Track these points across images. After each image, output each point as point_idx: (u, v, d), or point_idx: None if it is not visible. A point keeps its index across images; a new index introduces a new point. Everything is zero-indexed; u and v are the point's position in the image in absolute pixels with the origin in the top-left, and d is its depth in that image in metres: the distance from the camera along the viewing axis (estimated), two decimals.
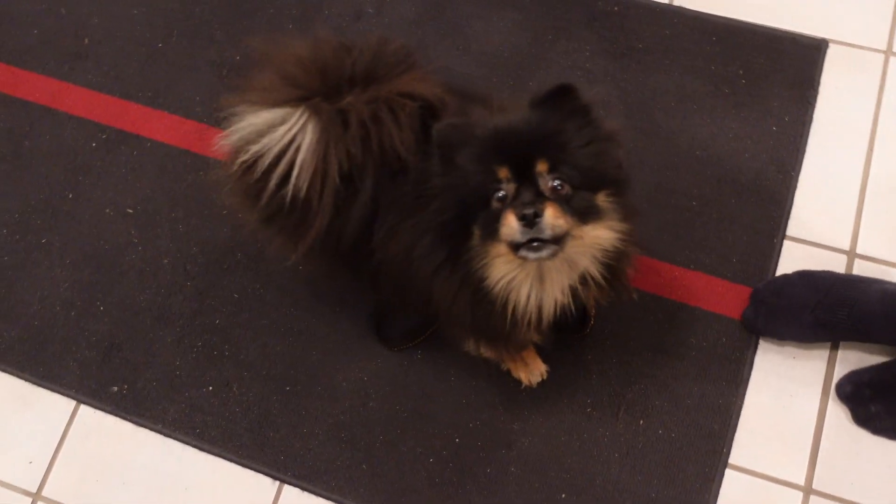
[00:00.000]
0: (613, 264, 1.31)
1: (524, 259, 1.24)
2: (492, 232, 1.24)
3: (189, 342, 1.80)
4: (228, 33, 2.09)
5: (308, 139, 1.28)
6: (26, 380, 1.81)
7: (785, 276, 1.67)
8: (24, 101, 2.08)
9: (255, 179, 1.35)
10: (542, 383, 1.67)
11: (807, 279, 1.64)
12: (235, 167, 1.36)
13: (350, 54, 1.36)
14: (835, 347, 1.66)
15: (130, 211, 1.94)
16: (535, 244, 1.21)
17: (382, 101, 1.30)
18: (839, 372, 1.64)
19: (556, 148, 1.24)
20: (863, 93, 1.88)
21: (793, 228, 1.78)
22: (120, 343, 1.81)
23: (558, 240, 1.22)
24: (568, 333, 1.66)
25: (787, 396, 1.65)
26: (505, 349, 1.56)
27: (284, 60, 1.37)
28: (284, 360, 1.76)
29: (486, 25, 2.02)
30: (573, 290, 1.31)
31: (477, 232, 1.26)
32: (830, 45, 1.92)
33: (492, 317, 1.33)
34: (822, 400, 1.64)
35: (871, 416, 1.59)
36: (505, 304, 1.31)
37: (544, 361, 1.66)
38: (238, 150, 1.35)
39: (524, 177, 1.23)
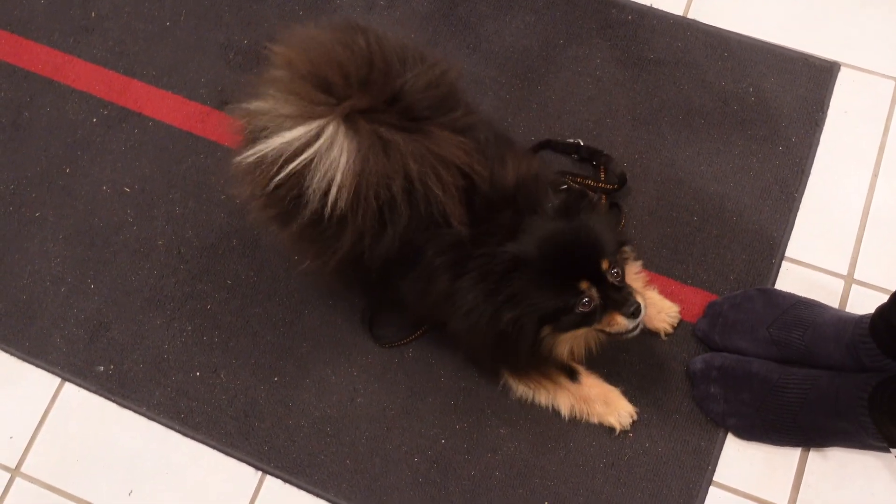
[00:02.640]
0: None
1: (628, 337, 1.46)
2: (569, 325, 1.41)
3: (179, 326, 1.78)
4: (238, 16, 2.07)
5: (345, 158, 1.26)
6: (11, 354, 1.79)
7: (745, 292, 1.68)
8: (26, 71, 2.06)
9: (290, 196, 1.33)
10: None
11: (767, 296, 1.65)
12: (270, 186, 1.33)
13: (384, 55, 1.34)
14: None
15: (128, 190, 1.92)
16: (634, 326, 1.43)
17: (429, 167, 1.29)
18: None
19: (601, 243, 1.39)
20: (871, 118, 1.87)
21: (792, 250, 1.77)
22: (109, 323, 1.80)
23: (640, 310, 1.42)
24: None
25: None
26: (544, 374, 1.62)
27: (310, 59, 1.33)
28: (274, 351, 1.75)
29: (497, 26, 2.00)
30: None
31: (549, 328, 1.42)
32: (842, 68, 1.91)
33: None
34: None
35: (708, 395, 1.61)
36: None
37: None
38: (268, 166, 1.31)
39: (596, 279, 1.38)
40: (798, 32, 1.95)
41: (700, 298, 1.72)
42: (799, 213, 1.80)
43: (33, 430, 1.73)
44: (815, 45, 1.93)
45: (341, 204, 1.28)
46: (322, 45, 1.35)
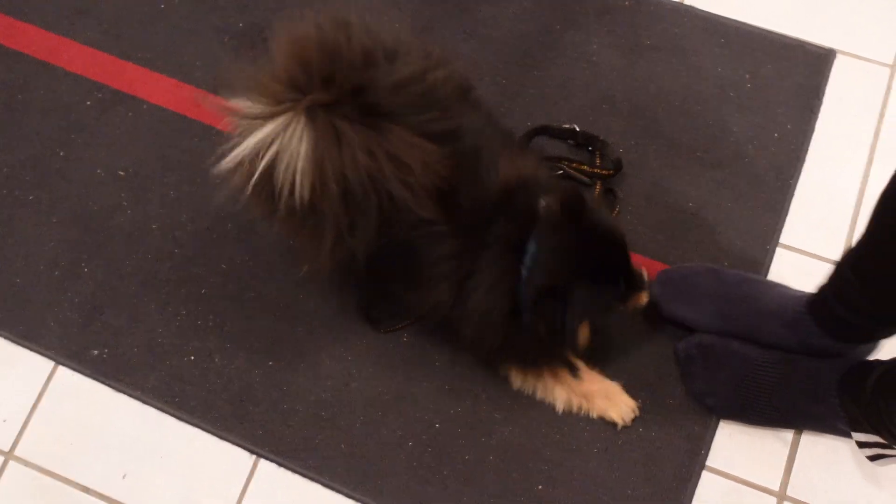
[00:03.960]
0: None
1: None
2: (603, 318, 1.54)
3: (173, 310, 1.78)
4: (233, 0, 2.06)
5: (304, 148, 1.28)
6: (5, 337, 1.78)
7: (693, 266, 1.70)
8: (20, 53, 2.05)
9: (267, 194, 1.35)
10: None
11: (714, 273, 1.67)
12: (250, 187, 1.35)
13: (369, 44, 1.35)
14: None
15: (122, 173, 1.91)
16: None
17: (382, 163, 1.29)
18: None
19: (625, 240, 1.47)
20: (866, 106, 1.87)
21: (786, 237, 1.77)
22: (103, 306, 1.79)
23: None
24: None
25: None
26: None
27: (282, 58, 1.34)
28: (269, 335, 1.74)
29: (495, 10, 2.00)
30: None
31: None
32: (838, 55, 1.91)
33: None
34: None
35: (689, 374, 1.63)
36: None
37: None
38: (246, 168, 1.34)
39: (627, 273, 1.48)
40: (795, 19, 1.95)
41: None
42: (794, 201, 1.80)
43: (27, 413, 1.73)
44: (812, 33, 1.93)
45: (305, 193, 1.30)
46: (294, 42, 1.35)
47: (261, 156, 1.30)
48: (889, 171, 1.79)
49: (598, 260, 1.42)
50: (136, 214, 1.87)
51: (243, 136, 1.33)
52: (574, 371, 1.62)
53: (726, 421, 1.63)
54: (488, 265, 1.40)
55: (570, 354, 1.61)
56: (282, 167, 1.30)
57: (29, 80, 2.02)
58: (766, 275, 1.74)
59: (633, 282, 1.49)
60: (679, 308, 1.65)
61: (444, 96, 1.40)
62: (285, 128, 1.29)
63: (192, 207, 1.86)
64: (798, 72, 1.90)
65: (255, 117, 1.32)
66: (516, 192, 1.40)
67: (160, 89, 1.99)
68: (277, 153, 1.30)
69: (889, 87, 1.89)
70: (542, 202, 1.39)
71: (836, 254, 1.75)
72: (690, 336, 1.65)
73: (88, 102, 1.99)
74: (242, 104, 1.35)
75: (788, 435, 1.63)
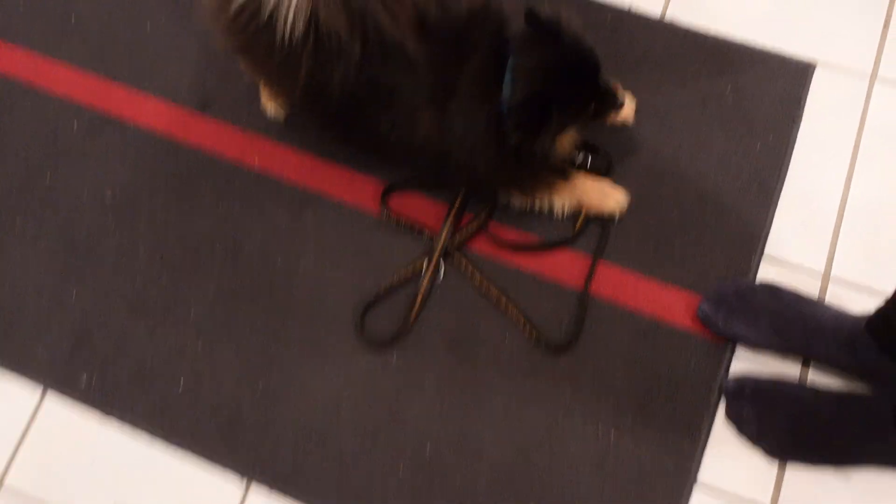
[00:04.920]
0: None
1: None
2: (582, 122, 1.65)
3: (161, 334, 1.78)
4: None
5: None
6: None
7: (750, 283, 1.72)
8: (5, 75, 2.05)
9: (251, 22, 1.44)
10: (512, 392, 1.68)
11: (772, 291, 1.69)
12: (231, 10, 1.44)
13: None
14: (805, 364, 1.68)
15: (109, 196, 1.91)
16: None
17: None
18: None
19: (595, 54, 1.59)
20: (846, 116, 1.89)
21: (770, 248, 1.79)
22: (91, 332, 1.79)
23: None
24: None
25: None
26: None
27: None
28: (258, 359, 1.75)
29: None
30: None
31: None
32: (818, 66, 1.92)
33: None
34: None
35: (741, 417, 1.64)
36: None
37: None
38: None
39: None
40: (773, 32, 1.96)
41: (679, 299, 1.74)
42: (777, 212, 1.81)
43: (16, 441, 1.73)
44: (791, 44, 1.95)
45: (299, 26, 1.39)
46: None
47: None
48: (870, 180, 1.83)
49: (575, 73, 1.54)
50: (124, 238, 1.87)
51: None
52: (565, 175, 1.76)
53: (732, 442, 1.64)
54: (467, 86, 1.50)
55: (558, 162, 1.73)
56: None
57: (15, 102, 2.02)
58: (753, 277, 1.75)
59: (607, 97, 1.62)
60: (735, 325, 1.66)
61: None
62: None
63: (180, 229, 1.86)
64: (778, 83, 1.91)
65: None
66: (483, 15, 1.52)
67: (147, 110, 1.99)
68: None
69: (868, 97, 1.90)
70: (520, 22, 1.51)
71: (820, 264, 1.76)
72: (739, 376, 1.66)
73: (75, 125, 1.99)
74: None
75: None
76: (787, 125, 1.88)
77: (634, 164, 1.85)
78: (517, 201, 1.78)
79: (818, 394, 1.61)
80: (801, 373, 1.69)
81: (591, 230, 1.81)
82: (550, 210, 1.79)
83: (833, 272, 1.76)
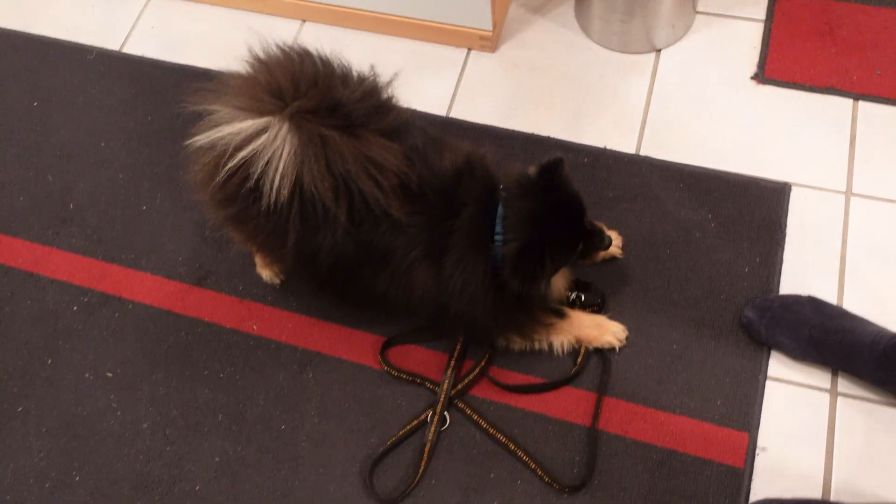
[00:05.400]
0: None
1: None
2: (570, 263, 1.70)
3: None
4: None
5: (287, 149, 1.42)
6: None
7: (796, 296, 1.80)
8: (6, 266, 2.10)
9: (239, 188, 1.49)
10: None
11: (816, 303, 1.78)
12: (221, 173, 1.47)
13: (331, 72, 1.53)
14: (828, 478, 1.65)
15: (110, 375, 1.92)
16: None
17: (361, 167, 1.46)
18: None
19: (581, 199, 1.64)
20: (828, 232, 1.93)
21: (773, 369, 1.78)
22: None
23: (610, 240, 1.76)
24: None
25: None
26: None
27: (265, 69, 1.52)
28: None
29: None
30: None
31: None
32: (793, 187, 1.99)
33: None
34: None
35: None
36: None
37: None
38: (219, 153, 1.47)
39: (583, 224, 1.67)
40: (746, 158, 2.04)
41: (690, 428, 1.72)
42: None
43: None
44: (764, 169, 2.02)
45: (284, 192, 1.44)
46: (274, 60, 1.54)
47: (237, 146, 1.43)
48: (859, 290, 1.85)
49: (562, 217, 1.59)
50: (126, 415, 1.86)
51: (222, 122, 1.46)
52: (562, 315, 1.79)
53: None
54: (460, 238, 1.55)
55: (553, 303, 1.77)
56: (261, 164, 1.42)
57: (16, 291, 2.06)
58: (759, 409, 1.74)
59: (594, 237, 1.68)
60: (776, 333, 1.75)
61: (388, 104, 1.58)
62: (267, 127, 1.43)
63: (182, 402, 1.86)
64: (757, 207, 1.97)
65: (237, 109, 1.46)
66: (468, 171, 1.59)
67: (145, 288, 2.03)
68: (260, 150, 1.42)
69: (846, 212, 1.95)
70: (512, 173, 1.60)
71: (825, 380, 1.75)
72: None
73: (75, 307, 2.02)
74: (221, 101, 1.49)
75: None
76: (772, 246, 1.92)
77: (627, 298, 1.88)
78: (516, 344, 1.80)
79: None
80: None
81: (593, 366, 1.81)
82: (550, 348, 1.80)
83: (840, 389, 1.75)
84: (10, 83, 2.39)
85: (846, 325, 1.71)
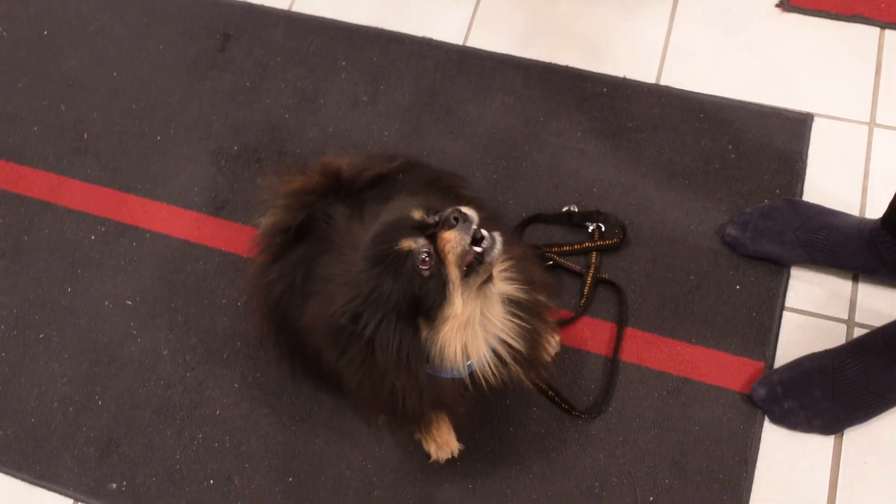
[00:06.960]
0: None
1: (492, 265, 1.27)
2: (431, 300, 1.24)
3: (189, 434, 1.77)
4: (226, 124, 2.13)
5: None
6: (23, 479, 1.77)
7: (772, 202, 1.81)
8: (23, 196, 2.10)
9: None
10: (545, 465, 1.65)
11: (793, 205, 1.79)
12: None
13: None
14: (839, 436, 1.65)
15: (129, 303, 1.93)
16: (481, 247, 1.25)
17: None
18: (846, 454, 1.64)
19: (408, 202, 1.36)
20: (850, 164, 1.91)
21: (791, 299, 1.78)
22: (118, 438, 1.79)
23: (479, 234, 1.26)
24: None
25: (796, 473, 1.63)
26: (418, 424, 1.60)
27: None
28: (287, 451, 1.73)
29: (478, 109, 2.06)
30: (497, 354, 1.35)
31: (421, 320, 1.27)
32: (815, 118, 1.95)
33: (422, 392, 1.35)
34: (831, 476, 1.62)
35: (785, 413, 1.65)
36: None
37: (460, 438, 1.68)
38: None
39: (421, 232, 1.28)
40: (768, 88, 2.00)
41: (705, 357, 1.73)
42: (791, 269, 1.81)
43: None
44: (787, 99, 1.99)
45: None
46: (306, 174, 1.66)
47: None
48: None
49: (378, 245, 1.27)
50: (146, 342, 1.88)
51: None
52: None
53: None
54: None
55: (464, 361, 1.35)
56: None
57: (33, 221, 2.07)
58: (776, 339, 1.74)
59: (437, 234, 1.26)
60: (763, 245, 1.77)
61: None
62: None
63: (201, 329, 1.88)
64: (779, 138, 1.94)
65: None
66: None
67: (162, 217, 2.04)
68: None
69: (870, 144, 1.92)
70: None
71: (843, 311, 1.75)
72: (762, 380, 1.67)
73: (92, 237, 2.03)
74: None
75: (821, 502, 1.60)
76: (793, 177, 1.90)
77: (645, 228, 1.87)
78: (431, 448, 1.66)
79: (832, 353, 1.63)
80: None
81: (608, 295, 1.81)
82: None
83: (857, 318, 1.75)
84: (19, 11, 2.36)
85: (829, 220, 1.73)
